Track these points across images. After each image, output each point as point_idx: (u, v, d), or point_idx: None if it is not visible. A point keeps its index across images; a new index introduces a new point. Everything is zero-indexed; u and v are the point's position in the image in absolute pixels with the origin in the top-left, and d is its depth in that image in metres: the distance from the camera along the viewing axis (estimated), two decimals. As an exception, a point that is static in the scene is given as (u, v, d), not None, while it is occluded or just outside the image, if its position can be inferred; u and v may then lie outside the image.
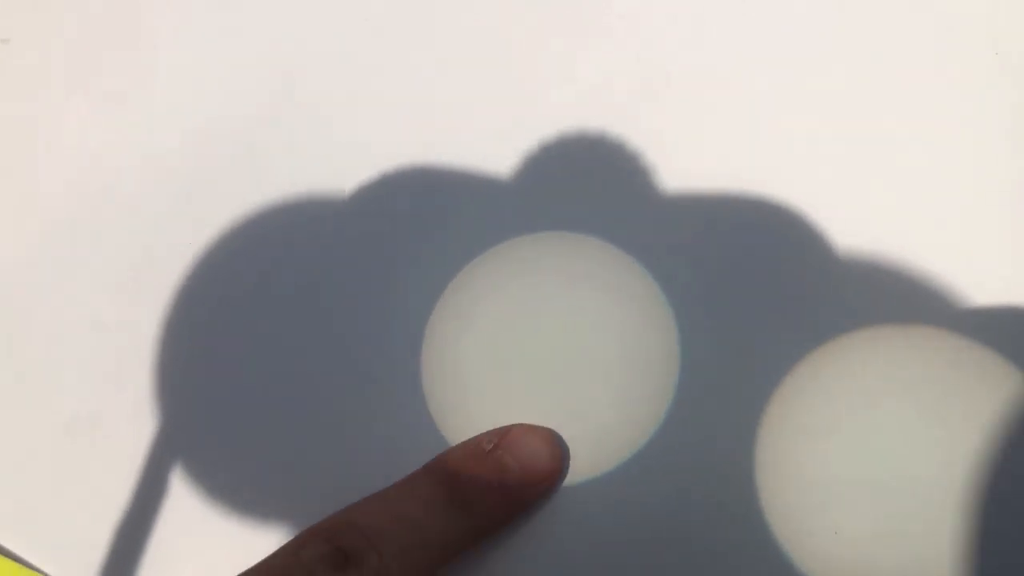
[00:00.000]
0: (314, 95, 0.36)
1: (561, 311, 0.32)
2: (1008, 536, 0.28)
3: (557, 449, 0.30)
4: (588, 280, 0.32)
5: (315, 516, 0.29)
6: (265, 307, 0.34)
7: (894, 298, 0.30)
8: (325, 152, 0.35)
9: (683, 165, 0.33)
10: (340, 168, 0.35)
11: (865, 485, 0.29)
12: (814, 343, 0.30)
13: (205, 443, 0.33)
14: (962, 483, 0.29)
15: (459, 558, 0.29)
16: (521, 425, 0.31)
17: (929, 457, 0.29)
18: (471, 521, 0.29)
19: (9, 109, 0.38)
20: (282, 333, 0.34)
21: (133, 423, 0.34)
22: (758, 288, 0.31)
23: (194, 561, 0.33)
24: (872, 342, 0.30)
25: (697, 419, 0.30)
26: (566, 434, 0.31)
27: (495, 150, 0.34)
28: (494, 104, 0.35)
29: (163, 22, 0.38)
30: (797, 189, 0.32)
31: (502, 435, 0.30)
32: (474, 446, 0.30)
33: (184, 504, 0.33)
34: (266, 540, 0.32)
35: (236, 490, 0.33)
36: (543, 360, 0.32)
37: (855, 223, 0.31)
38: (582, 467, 0.31)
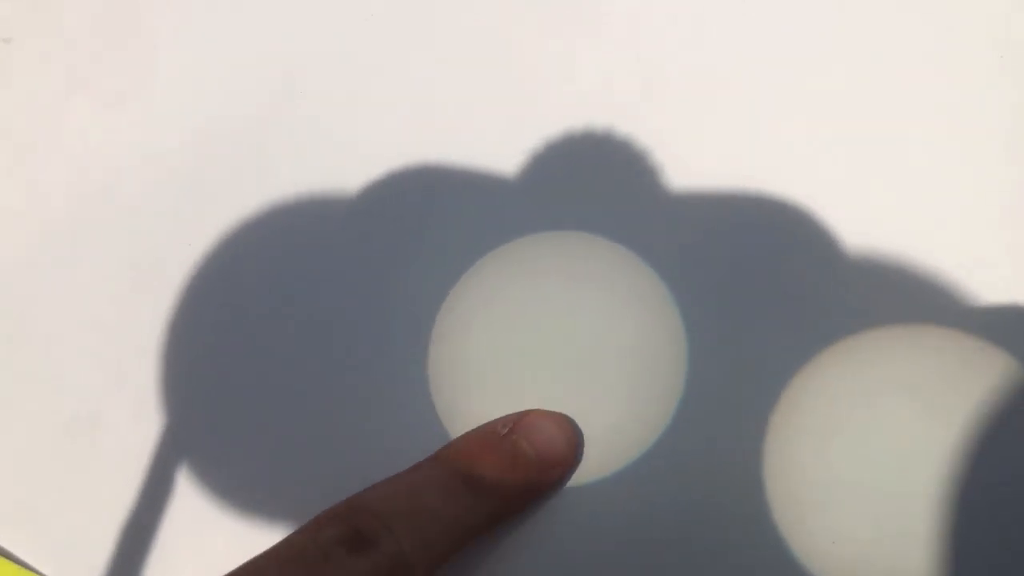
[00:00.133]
0: (316, 95, 0.36)
1: (566, 311, 0.32)
2: (1012, 536, 0.28)
3: (572, 434, 0.30)
4: (594, 280, 0.32)
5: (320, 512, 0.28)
6: (267, 307, 0.34)
7: (900, 298, 0.31)
8: (327, 152, 0.35)
9: (687, 164, 0.33)
10: (342, 168, 0.35)
11: (872, 486, 0.29)
12: (821, 344, 0.31)
13: (206, 443, 0.33)
14: (968, 484, 0.29)
15: (474, 543, 0.29)
16: (536, 410, 0.30)
17: (937, 458, 0.29)
18: (486, 506, 0.28)
19: (10, 109, 0.38)
20: (285, 332, 0.33)
21: (134, 423, 0.33)
22: (764, 287, 0.31)
23: (196, 562, 0.32)
24: (879, 343, 0.30)
25: (705, 419, 0.30)
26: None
27: (498, 150, 0.34)
28: (496, 104, 0.35)
29: (164, 22, 0.38)
30: (800, 189, 0.32)
31: (517, 420, 0.30)
32: (489, 431, 0.30)
33: (186, 504, 0.32)
34: (271, 539, 0.31)
35: (239, 490, 0.32)
36: (549, 360, 0.32)
37: (859, 223, 0.31)
38: (589, 468, 0.31)
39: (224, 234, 0.35)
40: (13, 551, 0.33)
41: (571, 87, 0.35)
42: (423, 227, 0.34)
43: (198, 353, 0.34)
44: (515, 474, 0.29)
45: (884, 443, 0.29)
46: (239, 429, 0.33)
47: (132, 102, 0.37)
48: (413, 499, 0.28)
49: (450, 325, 0.33)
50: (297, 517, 0.31)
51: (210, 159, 0.36)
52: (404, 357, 0.32)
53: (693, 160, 0.33)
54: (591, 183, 0.33)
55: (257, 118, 0.36)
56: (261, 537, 0.32)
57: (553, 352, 0.32)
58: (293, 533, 0.27)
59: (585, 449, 0.31)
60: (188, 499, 0.32)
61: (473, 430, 0.30)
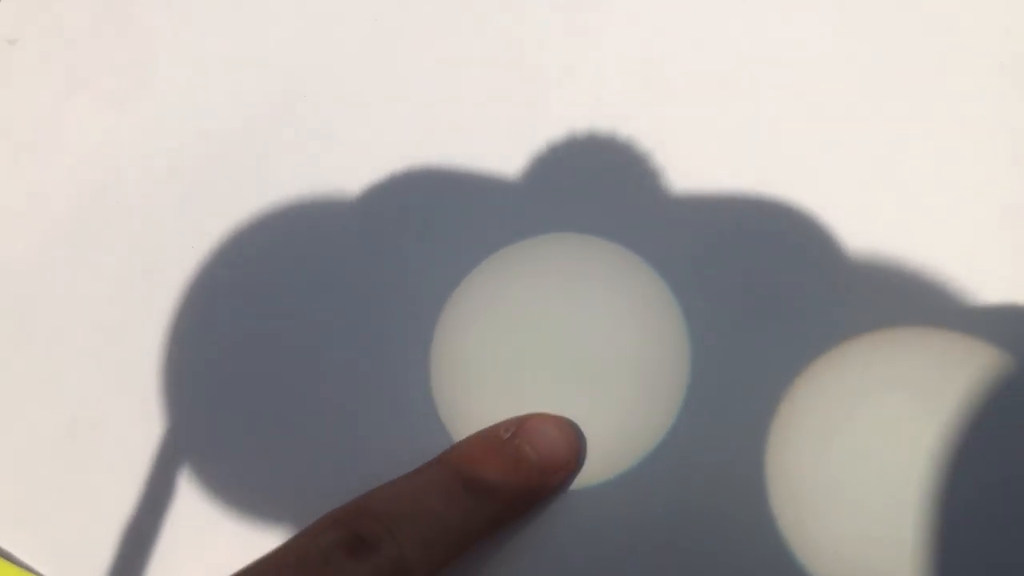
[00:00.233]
0: (318, 96, 0.36)
1: (568, 314, 0.32)
2: (1013, 536, 0.28)
3: (575, 439, 0.30)
4: (596, 282, 0.32)
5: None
6: (269, 309, 0.34)
7: (901, 300, 0.30)
8: (329, 153, 0.35)
9: (690, 167, 0.33)
10: (345, 169, 0.35)
11: (874, 489, 0.29)
12: (823, 346, 0.30)
13: (208, 445, 0.33)
14: (970, 485, 0.29)
15: (475, 547, 0.29)
16: (539, 414, 0.30)
17: (939, 459, 0.29)
18: (489, 510, 0.28)
19: (15, 109, 0.38)
20: (288, 334, 0.33)
21: (136, 424, 0.33)
22: (766, 289, 0.31)
23: (197, 564, 0.32)
24: (880, 344, 0.30)
25: (707, 423, 0.30)
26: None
27: (501, 152, 0.34)
28: (498, 106, 0.35)
29: (168, 23, 0.38)
30: (802, 191, 0.32)
31: (520, 424, 0.30)
32: (492, 435, 0.30)
33: (187, 506, 0.32)
34: (272, 542, 0.31)
35: (240, 492, 0.32)
36: (551, 363, 0.32)
37: (860, 225, 0.31)
38: (591, 471, 0.30)
39: (226, 235, 0.35)
40: (13, 552, 0.33)
41: (574, 89, 0.35)
42: (425, 229, 0.34)
43: (199, 355, 0.34)
44: (517, 478, 0.29)
45: (886, 445, 0.29)
46: (240, 431, 0.33)
47: (133, 103, 0.37)
48: (415, 503, 0.28)
49: (452, 327, 0.32)
50: (298, 519, 0.31)
51: (212, 160, 0.36)
52: (406, 359, 0.32)
53: (696, 163, 0.33)
54: (594, 185, 0.33)
55: (259, 119, 0.36)
56: (262, 540, 0.32)
57: (555, 355, 0.32)
58: (294, 537, 0.27)
59: (587, 452, 0.31)
60: (189, 501, 0.32)
61: (475, 434, 0.30)
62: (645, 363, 0.31)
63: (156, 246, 0.35)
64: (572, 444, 0.30)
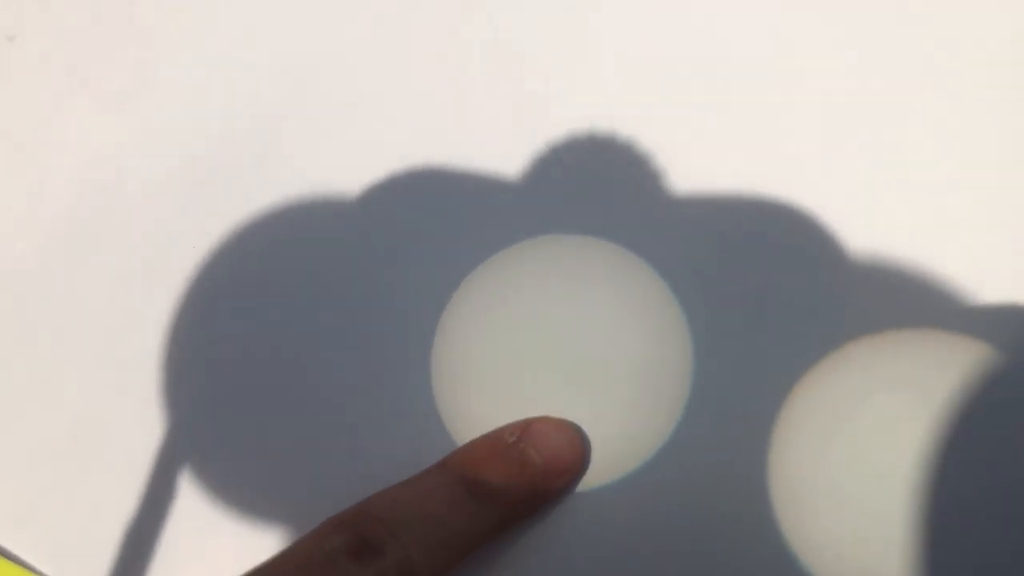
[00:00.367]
0: (320, 96, 0.36)
1: (571, 316, 0.32)
2: (1013, 536, 0.28)
3: (579, 442, 0.30)
4: (598, 284, 0.32)
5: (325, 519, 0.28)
6: (273, 309, 0.34)
7: (904, 302, 0.30)
8: (331, 154, 0.35)
9: (692, 169, 0.33)
10: (347, 169, 0.35)
11: (877, 491, 0.29)
12: (825, 348, 0.30)
13: (211, 445, 0.33)
14: (972, 486, 0.29)
15: (479, 551, 0.29)
16: (543, 418, 0.30)
17: (941, 460, 0.29)
18: (493, 514, 0.28)
19: (15, 106, 0.38)
20: (290, 335, 0.33)
21: (138, 425, 0.33)
22: (768, 291, 0.31)
23: (200, 566, 0.32)
24: (883, 346, 0.30)
25: (710, 425, 0.30)
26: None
27: (504, 152, 0.34)
28: (501, 106, 0.35)
29: (168, 23, 0.38)
30: (804, 193, 0.32)
31: (524, 428, 0.30)
32: (496, 438, 0.30)
33: (190, 507, 0.32)
34: (274, 543, 0.31)
35: (243, 493, 0.32)
36: (553, 366, 0.32)
37: (862, 227, 0.31)
38: (594, 474, 0.31)
39: (227, 236, 0.35)
40: (16, 552, 0.33)
41: (575, 89, 0.35)
42: (427, 230, 0.34)
43: (202, 355, 0.34)
44: (522, 482, 0.29)
45: (888, 446, 0.29)
46: (243, 432, 0.33)
47: (134, 103, 0.37)
48: (419, 506, 0.28)
49: (454, 329, 0.32)
50: (299, 520, 0.31)
51: (212, 160, 0.36)
52: (408, 361, 0.32)
53: (698, 164, 0.33)
54: (595, 186, 0.33)
55: (259, 119, 0.36)
56: (265, 542, 0.32)
57: (557, 357, 0.32)
58: (299, 540, 0.27)
59: (591, 455, 0.31)
60: (192, 502, 0.32)
61: (480, 437, 0.30)
62: (647, 365, 0.31)
63: (156, 246, 0.35)
64: (577, 448, 0.30)
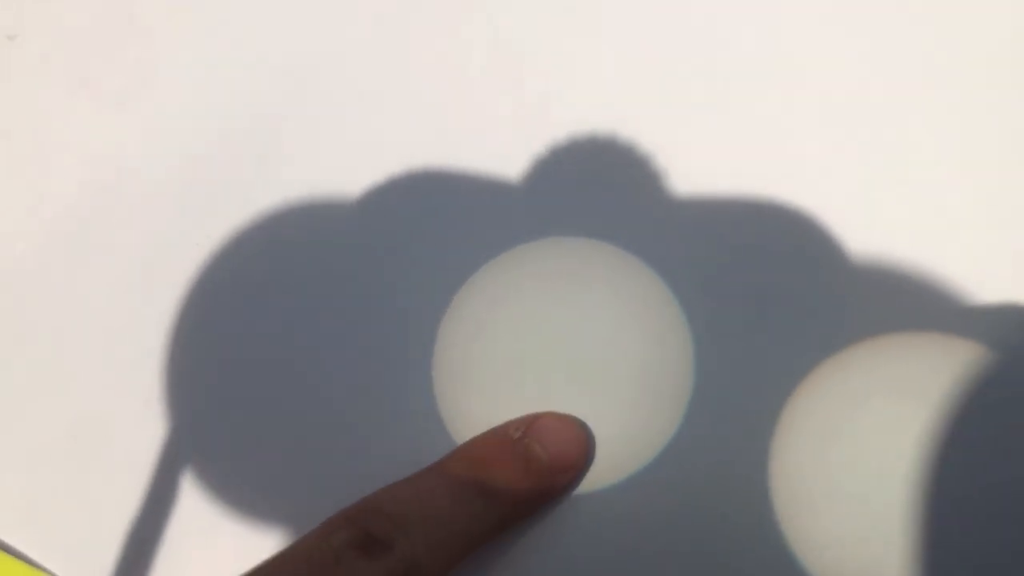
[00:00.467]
0: (321, 96, 0.36)
1: (572, 317, 0.32)
2: (1014, 536, 0.28)
3: (584, 438, 0.30)
4: (600, 286, 0.32)
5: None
6: (274, 309, 0.34)
7: (905, 303, 0.31)
8: (332, 154, 0.35)
9: (693, 170, 0.33)
10: (348, 170, 0.35)
11: (878, 492, 0.29)
12: (826, 349, 0.30)
13: (213, 444, 0.33)
14: (973, 486, 0.29)
15: (483, 548, 0.29)
16: (549, 413, 0.30)
17: (943, 462, 0.29)
18: (499, 509, 0.28)
19: (15, 106, 0.37)
20: (292, 335, 0.33)
21: (141, 424, 0.33)
22: (769, 293, 0.31)
23: (204, 564, 0.32)
24: (884, 348, 0.30)
25: (712, 426, 0.30)
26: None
27: (505, 153, 0.34)
28: (502, 107, 0.35)
29: (169, 22, 0.38)
30: (804, 195, 0.32)
31: (530, 423, 0.30)
32: (502, 434, 0.30)
33: (193, 505, 0.32)
34: (275, 543, 0.31)
35: (246, 491, 0.32)
36: (554, 366, 0.32)
37: (862, 228, 0.31)
38: (596, 474, 0.30)
39: (232, 235, 0.35)
40: (23, 550, 0.33)
41: (576, 90, 0.35)
42: (429, 230, 0.34)
43: (204, 355, 0.34)
44: (527, 478, 0.29)
45: (888, 448, 0.29)
46: (246, 431, 0.33)
47: (134, 103, 0.37)
48: (425, 502, 0.28)
49: (455, 330, 0.32)
50: (300, 519, 0.31)
51: (213, 160, 0.36)
52: (409, 361, 0.32)
53: (699, 165, 0.33)
54: (596, 187, 0.33)
55: (260, 119, 0.36)
56: (268, 539, 0.31)
57: (558, 359, 0.32)
58: (304, 536, 0.27)
59: (594, 454, 0.31)
60: (195, 500, 0.32)
61: (486, 433, 0.30)
62: (647, 366, 0.31)
63: (157, 246, 0.35)
64: (582, 443, 0.30)
